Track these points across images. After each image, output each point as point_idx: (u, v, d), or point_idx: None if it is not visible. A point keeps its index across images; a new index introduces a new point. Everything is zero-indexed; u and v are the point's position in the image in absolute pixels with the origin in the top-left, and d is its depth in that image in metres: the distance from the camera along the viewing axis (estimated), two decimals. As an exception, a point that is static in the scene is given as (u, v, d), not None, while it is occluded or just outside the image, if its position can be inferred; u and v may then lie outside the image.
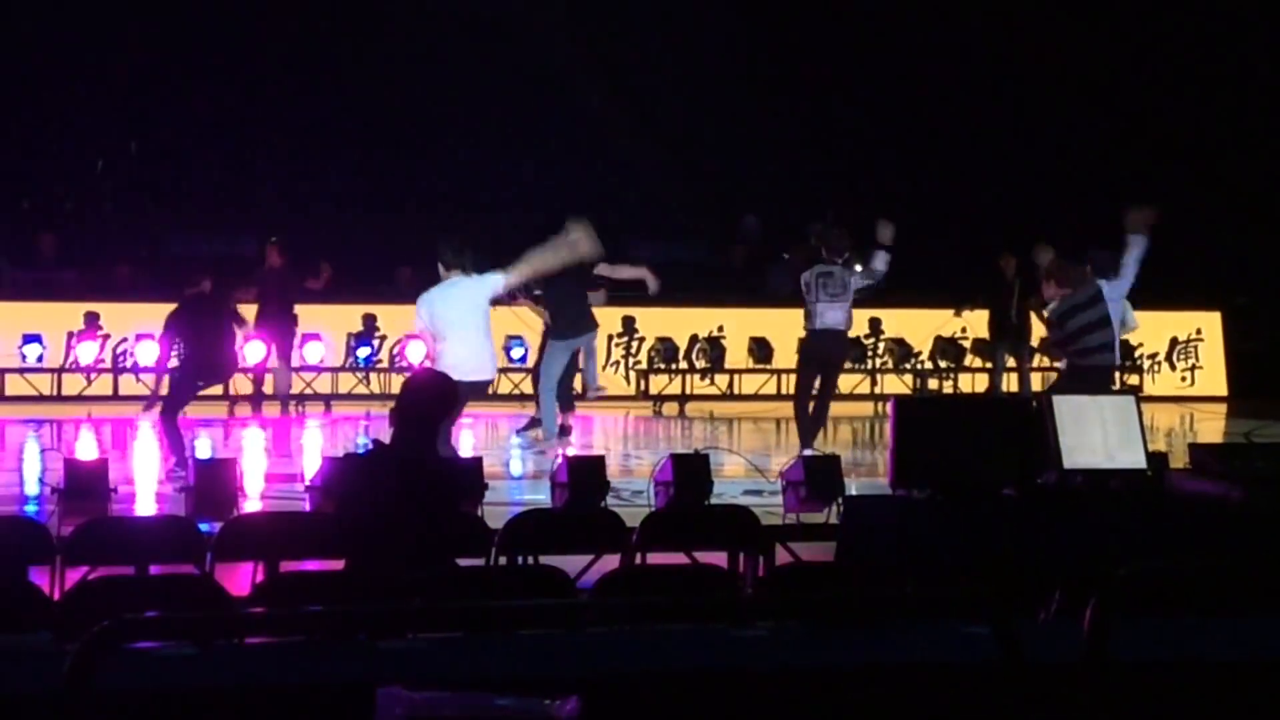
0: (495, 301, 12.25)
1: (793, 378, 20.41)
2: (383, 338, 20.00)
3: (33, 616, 6.02)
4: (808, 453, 13.76)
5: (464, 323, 11.91)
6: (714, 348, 20.61)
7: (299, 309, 18.85)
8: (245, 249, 20.83)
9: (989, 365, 20.50)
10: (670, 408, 20.20)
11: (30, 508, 11.45)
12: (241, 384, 18.48)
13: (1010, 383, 20.16)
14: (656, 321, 20.56)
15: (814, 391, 15.04)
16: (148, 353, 19.05)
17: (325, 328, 19.68)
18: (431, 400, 7.13)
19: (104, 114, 24.03)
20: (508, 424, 17.96)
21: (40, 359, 18.78)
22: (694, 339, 20.74)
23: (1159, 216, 13.21)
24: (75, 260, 21.24)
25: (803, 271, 14.91)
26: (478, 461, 9.44)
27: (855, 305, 15.17)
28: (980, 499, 7.75)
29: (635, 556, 7.83)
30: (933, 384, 21.26)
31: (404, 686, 3.23)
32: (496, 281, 11.98)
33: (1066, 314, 12.73)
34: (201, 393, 14.10)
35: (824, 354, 14.90)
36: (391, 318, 20.06)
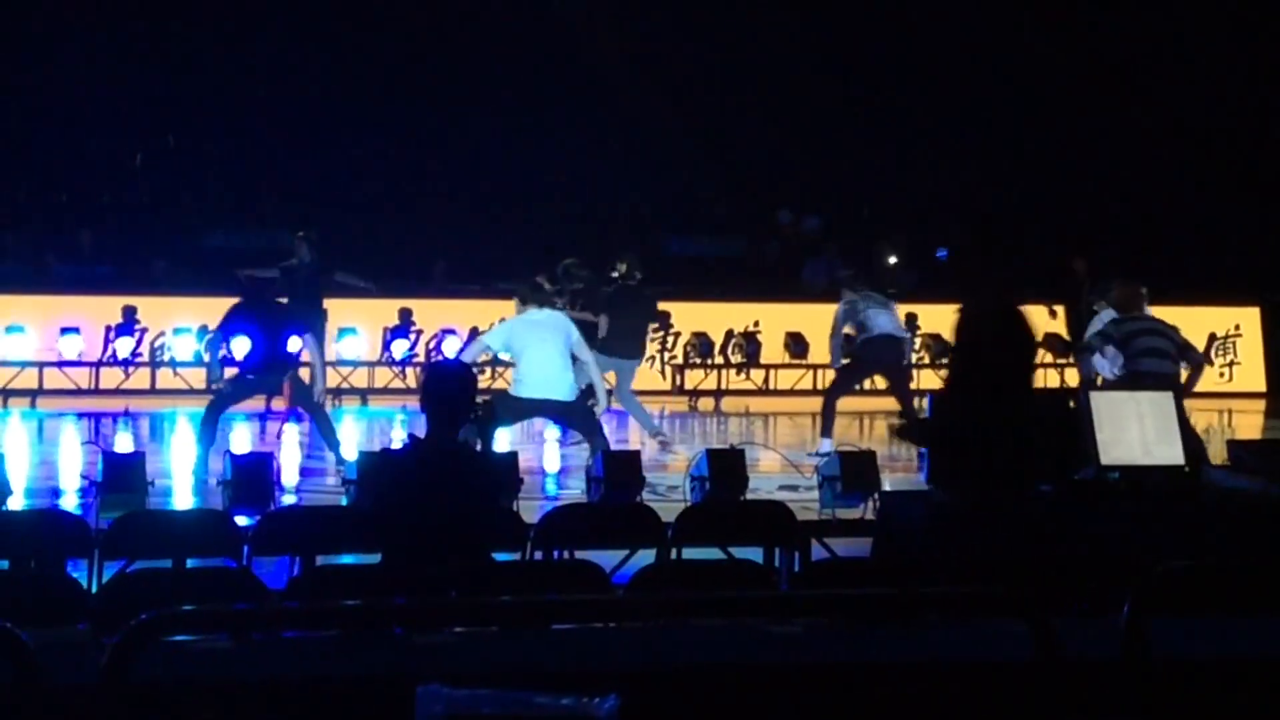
0: None
1: (828, 373, 20.46)
2: (419, 332, 20.03)
3: (71, 609, 6.05)
4: (827, 445, 13.90)
5: (543, 345, 12.61)
6: (749, 343, 20.59)
7: (328, 303, 18.92)
8: (282, 244, 20.90)
9: (1063, 362, 20.54)
10: (706, 403, 20.19)
11: (68, 501, 11.51)
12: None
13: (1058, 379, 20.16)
14: (692, 316, 20.55)
15: (848, 392, 15.17)
16: (185, 347, 19.13)
17: (361, 322, 19.73)
18: (455, 388, 7.12)
19: (142, 109, 24.12)
20: (540, 420, 17.93)
21: (79, 353, 18.86)
22: (729, 334, 20.72)
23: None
24: (113, 255, 21.33)
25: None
26: (513, 456, 9.46)
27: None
28: (1017, 495, 7.71)
29: (671, 552, 7.83)
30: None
31: (443, 684, 3.23)
32: (575, 334, 12.91)
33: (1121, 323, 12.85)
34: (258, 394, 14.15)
35: (879, 360, 15.11)
36: (427, 312, 20.09)
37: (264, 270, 19.52)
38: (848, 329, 15.27)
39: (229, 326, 13.68)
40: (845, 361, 15.23)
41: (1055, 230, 23.88)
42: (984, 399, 6.90)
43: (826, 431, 14.81)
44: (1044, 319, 20.16)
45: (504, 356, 13.38)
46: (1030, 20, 27.51)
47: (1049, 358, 20.97)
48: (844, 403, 19.42)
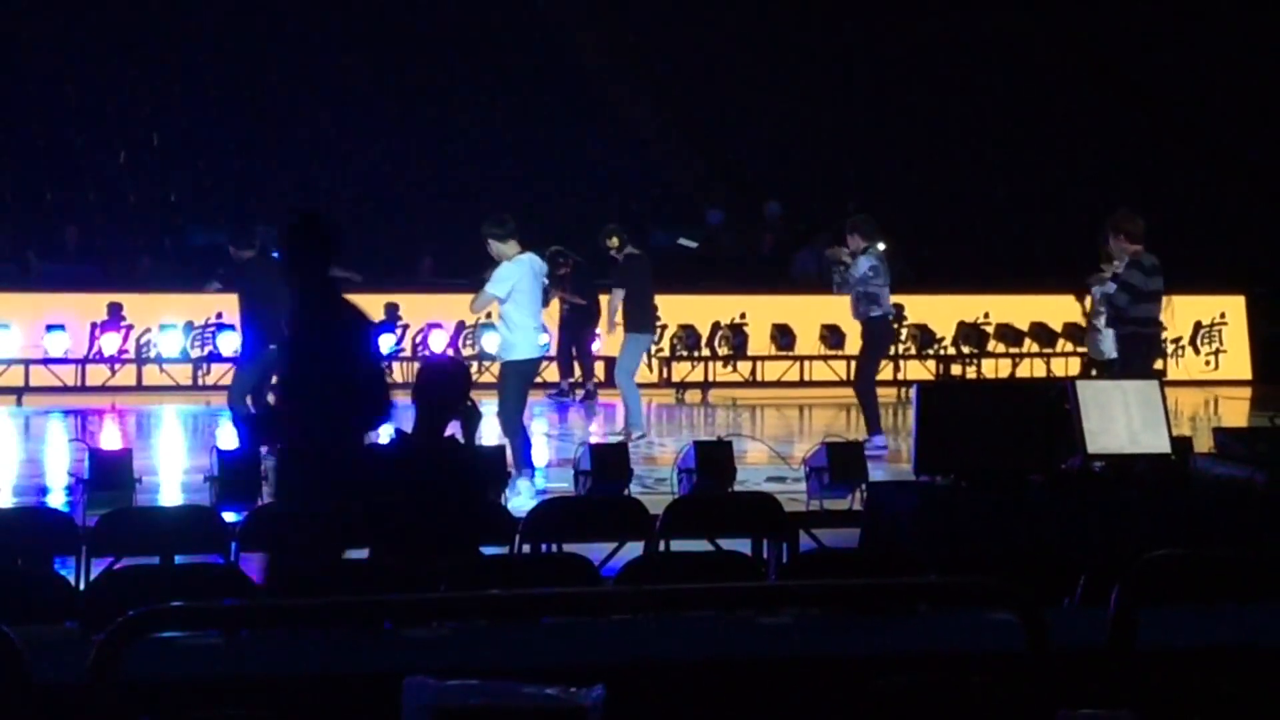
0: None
1: (815, 364, 20.47)
2: (405, 326, 20.01)
3: (59, 607, 6.04)
4: (880, 440, 13.85)
5: (537, 296, 12.37)
6: (736, 334, 20.58)
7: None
8: (268, 240, 20.85)
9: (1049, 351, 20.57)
10: (693, 395, 20.20)
11: (55, 499, 11.49)
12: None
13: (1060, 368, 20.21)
14: (679, 309, 20.53)
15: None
16: (171, 343, 19.10)
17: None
18: (449, 385, 7.13)
19: (126, 105, 24.07)
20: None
21: (65, 350, 18.82)
22: (716, 326, 20.70)
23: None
24: (98, 252, 21.27)
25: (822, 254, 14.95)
26: (500, 450, 9.46)
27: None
28: (1004, 485, 7.73)
29: (659, 544, 7.83)
30: (955, 370, 21.23)
31: (430, 675, 3.23)
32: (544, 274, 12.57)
33: (1137, 267, 12.50)
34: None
35: (890, 338, 15.06)
36: (413, 306, 20.06)
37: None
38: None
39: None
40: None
41: (1046, 221, 23.91)
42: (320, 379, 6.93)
43: (878, 425, 14.50)
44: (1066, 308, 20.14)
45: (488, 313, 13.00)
46: (1023, 13, 27.55)
47: (1034, 347, 21.00)
48: (828, 392, 19.50)
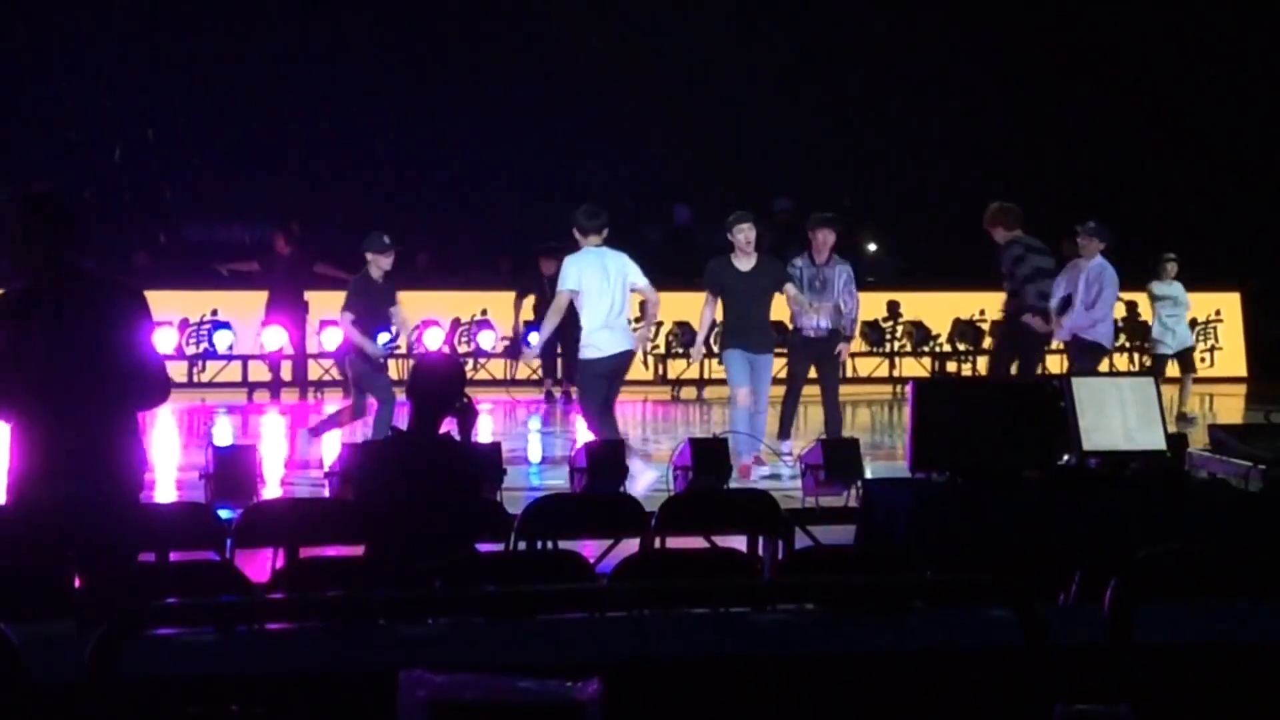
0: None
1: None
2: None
3: (54, 604, 6.03)
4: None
5: (609, 287, 11.85)
6: (732, 332, 20.56)
7: (309, 295, 18.96)
8: (265, 237, 20.87)
9: None
10: (688, 392, 20.20)
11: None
12: (259, 371, 18.66)
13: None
14: (674, 307, 20.53)
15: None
16: (166, 340, 19.08)
17: (343, 314, 19.69)
18: (444, 382, 7.13)
19: (122, 101, 24.06)
20: (524, 410, 18.02)
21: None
22: (713, 323, 20.68)
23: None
24: (93, 248, 21.26)
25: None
26: (496, 446, 9.45)
27: (865, 289, 15.47)
28: (1000, 481, 7.73)
29: (654, 541, 7.82)
30: (951, 367, 21.23)
31: (426, 669, 3.23)
32: (639, 277, 11.99)
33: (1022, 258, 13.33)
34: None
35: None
36: (409, 304, 20.02)
37: (244, 263, 19.57)
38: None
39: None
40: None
41: (1042, 219, 23.90)
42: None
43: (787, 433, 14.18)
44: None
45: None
46: (1021, 10, 27.55)
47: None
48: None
